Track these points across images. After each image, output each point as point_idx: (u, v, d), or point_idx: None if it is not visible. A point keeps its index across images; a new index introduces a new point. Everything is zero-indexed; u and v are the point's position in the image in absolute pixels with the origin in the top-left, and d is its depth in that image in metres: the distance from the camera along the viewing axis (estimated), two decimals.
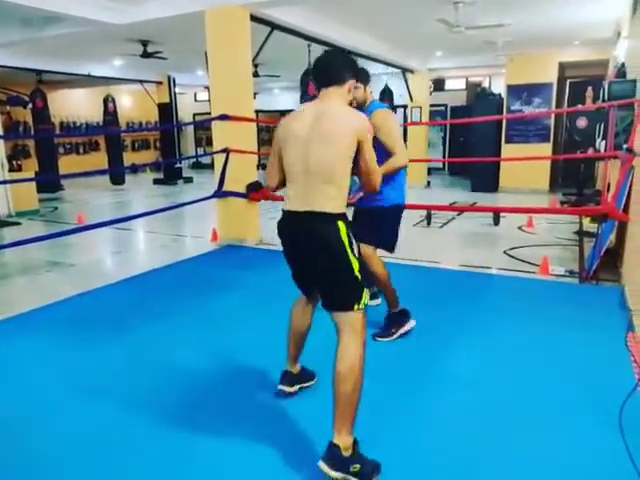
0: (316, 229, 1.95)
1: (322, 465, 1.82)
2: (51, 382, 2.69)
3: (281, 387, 2.42)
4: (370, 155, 2.00)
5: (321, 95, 2.07)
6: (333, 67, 2.07)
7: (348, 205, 2.10)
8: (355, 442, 1.87)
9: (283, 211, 2.08)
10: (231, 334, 3.26)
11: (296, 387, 2.45)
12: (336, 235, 1.93)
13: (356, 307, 1.95)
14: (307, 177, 1.95)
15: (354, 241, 1.98)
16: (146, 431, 2.22)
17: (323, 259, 1.97)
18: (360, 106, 2.90)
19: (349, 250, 1.94)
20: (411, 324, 3.17)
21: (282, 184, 2.14)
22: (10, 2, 5.13)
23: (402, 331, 3.13)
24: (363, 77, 2.88)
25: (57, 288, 4.31)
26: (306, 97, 6.75)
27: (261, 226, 6.12)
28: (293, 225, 2.04)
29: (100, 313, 3.68)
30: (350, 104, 2.12)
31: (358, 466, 1.83)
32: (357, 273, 1.96)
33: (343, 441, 1.83)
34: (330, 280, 1.99)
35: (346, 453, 1.82)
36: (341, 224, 1.94)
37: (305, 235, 1.99)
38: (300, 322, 2.34)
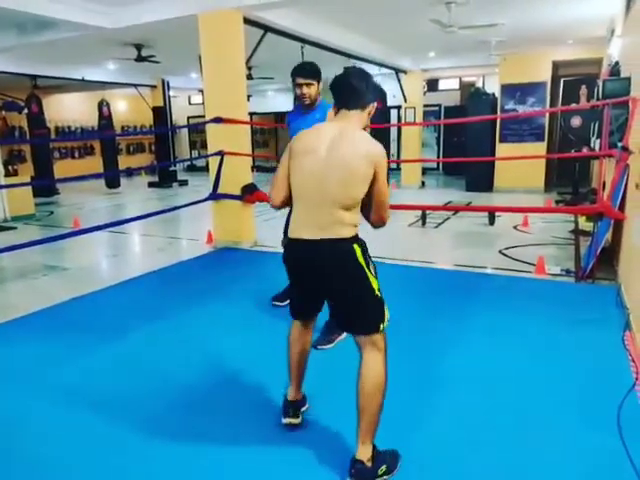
0: (334, 257, 1.90)
1: None
2: (47, 385, 2.67)
3: (289, 420, 2.21)
4: (384, 185, 1.91)
5: (341, 116, 2.00)
6: (359, 91, 1.99)
7: None
8: (374, 447, 1.89)
9: (291, 239, 1.98)
10: (227, 337, 3.24)
11: (301, 416, 2.26)
12: (354, 259, 1.90)
13: (381, 327, 1.93)
14: (322, 202, 1.86)
15: (370, 260, 1.95)
16: (141, 434, 2.20)
17: (344, 286, 1.93)
18: (312, 103, 3.04)
19: (368, 272, 1.92)
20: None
21: (286, 203, 2.03)
22: (4, 8, 5.13)
23: (342, 337, 2.99)
24: (320, 75, 3.03)
25: (53, 292, 4.29)
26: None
27: (256, 228, 6.11)
28: (306, 253, 1.94)
29: (96, 316, 3.66)
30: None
31: (384, 467, 1.88)
32: (378, 292, 1.94)
33: (365, 453, 1.86)
34: (353, 305, 1.93)
35: (369, 464, 1.85)
36: (356, 247, 1.91)
37: (321, 264, 1.91)
38: (301, 347, 2.20)
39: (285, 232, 2.37)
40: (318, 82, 3.05)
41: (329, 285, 1.95)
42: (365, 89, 2.01)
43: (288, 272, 2.08)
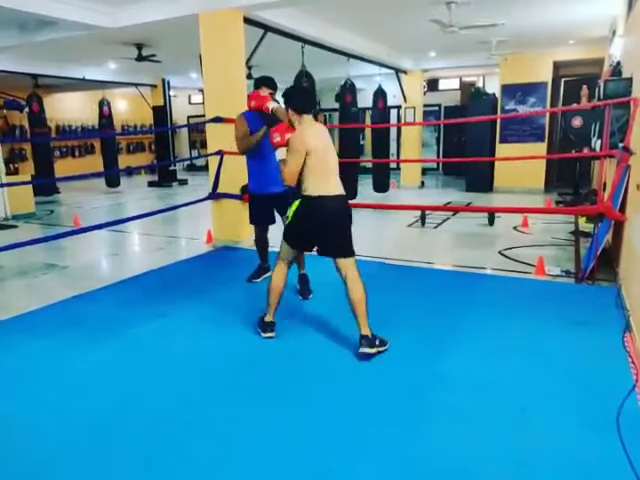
0: (347, 206, 3.04)
1: (363, 349, 2.84)
2: (48, 383, 2.67)
3: (269, 334, 3.17)
4: None
5: (310, 118, 3.01)
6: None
7: None
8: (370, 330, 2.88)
9: (323, 196, 2.93)
10: (227, 335, 3.24)
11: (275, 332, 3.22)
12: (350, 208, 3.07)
13: (354, 252, 3.03)
14: (335, 172, 3.00)
15: None
16: (141, 432, 2.19)
17: (345, 224, 3.00)
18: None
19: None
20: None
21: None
22: (6, 7, 5.13)
23: (266, 275, 4.16)
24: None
25: (53, 290, 4.29)
26: None
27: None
28: (338, 204, 2.98)
29: (96, 315, 3.65)
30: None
31: (379, 340, 2.90)
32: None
33: (366, 331, 2.88)
34: (343, 237, 2.99)
35: (371, 336, 2.87)
36: None
37: (343, 210, 3.00)
38: (284, 283, 3.17)
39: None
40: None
41: (338, 225, 2.98)
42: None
43: (309, 218, 2.96)
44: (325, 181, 2.94)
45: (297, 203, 3.01)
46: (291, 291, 4.06)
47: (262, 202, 4.00)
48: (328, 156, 2.99)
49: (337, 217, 2.98)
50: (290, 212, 3.05)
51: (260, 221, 4.12)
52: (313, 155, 2.90)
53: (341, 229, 2.98)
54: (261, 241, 4.25)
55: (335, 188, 2.97)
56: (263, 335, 3.15)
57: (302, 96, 3.15)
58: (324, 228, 2.97)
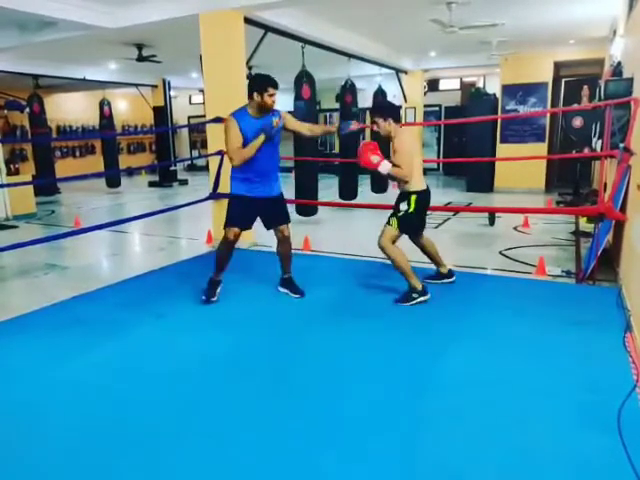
0: None
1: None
2: (48, 383, 2.67)
3: (218, 290, 3.85)
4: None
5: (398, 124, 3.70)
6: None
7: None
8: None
9: (427, 189, 3.77)
10: (226, 335, 3.24)
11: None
12: None
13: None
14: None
15: None
16: (141, 432, 2.19)
17: None
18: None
19: None
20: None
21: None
22: (6, 7, 5.13)
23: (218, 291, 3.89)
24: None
25: (54, 290, 4.29)
26: (299, 99, 6.73)
27: (256, 229, 6.10)
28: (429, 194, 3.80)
29: (96, 315, 3.65)
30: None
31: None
32: None
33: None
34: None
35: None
36: None
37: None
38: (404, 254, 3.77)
39: None
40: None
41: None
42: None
43: (426, 206, 3.89)
44: (422, 176, 3.75)
45: (415, 197, 3.66)
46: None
47: (248, 204, 3.70)
48: (417, 156, 3.72)
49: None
50: (411, 207, 3.66)
51: (241, 223, 3.74)
52: (415, 156, 3.64)
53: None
54: (230, 249, 3.78)
55: (425, 182, 3.77)
56: (424, 298, 3.68)
57: (395, 108, 3.84)
58: (426, 211, 3.89)
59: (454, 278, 4.16)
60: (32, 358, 2.98)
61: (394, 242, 3.71)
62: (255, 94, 3.45)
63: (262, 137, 3.48)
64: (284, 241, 3.88)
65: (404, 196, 3.70)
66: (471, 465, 1.97)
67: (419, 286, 3.67)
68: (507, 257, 5.16)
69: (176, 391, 2.58)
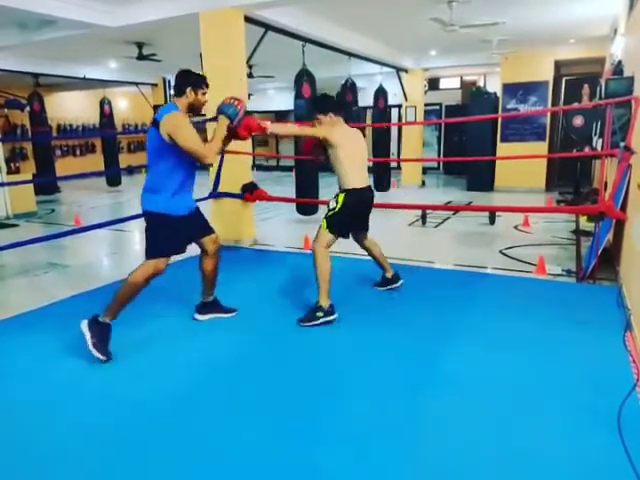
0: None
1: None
2: (48, 382, 2.67)
3: (334, 317, 3.38)
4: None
5: (340, 120, 3.54)
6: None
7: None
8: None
9: (358, 188, 3.54)
10: (226, 334, 3.24)
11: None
12: None
13: None
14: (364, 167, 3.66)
15: None
16: (141, 432, 2.20)
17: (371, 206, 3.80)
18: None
19: None
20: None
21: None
22: (6, 6, 5.13)
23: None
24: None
25: (55, 289, 4.30)
26: (300, 98, 6.73)
27: (256, 227, 6.11)
28: (368, 192, 3.69)
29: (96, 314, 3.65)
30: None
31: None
32: None
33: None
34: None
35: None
36: None
37: (372, 197, 3.77)
38: (330, 264, 3.45)
39: None
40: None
41: (371, 206, 3.86)
42: None
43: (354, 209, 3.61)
44: (363, 174, 3.60)
45: (343, 196, 3.47)
46: (282, 291, 4.06)
47: (180, 226, 3.07)
48: (356, 153, 3.54)
49: (370, 203, 3.71)
50: (338, 205, 3.46)
51: (176, 248, 3.13)
52: (355, 152, 3.52)
53: (370, 211, 3.77)
54: (143, 287, 3.04)
55: (365, 180, 3.61)
56: (330, 318, 3.37)
57: (332, 100, 3.64)
58: (365, 212, 3.74)
59: (401, 282, 4.01)
60: (32, 356, 2.98)
61: (329, 247, 3.46)
62: (189, 90, 3.00)
63: (225, 122, 3.08)
64: (215, 254, 3.40)
65: (335, 195, 3.54)
66: (471, 464, 1.97)
67: (326, 305, 3.36)
68: (507, 256, 5.16)
69: (176, 391, 2.58)
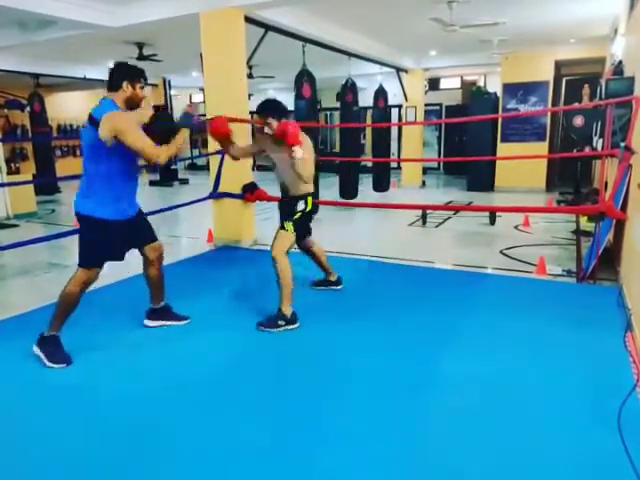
0: None
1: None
2: (48, 381, 2.67)
3: (296, 325, 3.33)
4: None
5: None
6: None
7: None
8: None
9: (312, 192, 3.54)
10: (226, 334, 3.24)
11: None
12: None
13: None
14: None
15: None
16: (141, 432, 2.19)
17: None
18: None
19: None
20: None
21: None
22: (6, 6, 5.13)
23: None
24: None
25: (55, 289, 4.22)
26: (300, 98, 6.73)
27: (256, 227, 6.11)
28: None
29: (96, 314, 3.64)
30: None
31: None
32: None
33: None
34: None
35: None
36: None
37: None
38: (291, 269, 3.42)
39: None
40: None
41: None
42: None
43: (313, 211, 3.65)
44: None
45: (310, 198, 3.52)
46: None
47: (119, 231, 2.92)
48: (311, 157, 3.39)
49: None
50: (308, 206, 3.51)
51: (108, 258, 2.97)
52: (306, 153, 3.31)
53: None
54: (80, 296, 2.98)
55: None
56: (292, 327, 3.31)
57: (284, 107, 3.48)
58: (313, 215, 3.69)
59: (341, 286, 4.08)
60: (32, 357, 2.98)
61: (288, 252, 3.44)
62: (125, 84, 2.79)
63: (185, 132, 2.97)
64: (157, 261, 3.24)
65: (296, 199, 3.48)
66: (471, 464, 1.97)
67: (289, 313, 3.31)
68: (508, 256, 5.16)
69: (176, 390, 2.58)
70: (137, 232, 3.10)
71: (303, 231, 3.68)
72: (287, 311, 3.32)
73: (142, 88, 2.88)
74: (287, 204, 3.54)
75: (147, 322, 3.37)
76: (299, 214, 3.46)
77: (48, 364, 2.82)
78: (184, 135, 2.96)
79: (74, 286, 2.92)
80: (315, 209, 3.74)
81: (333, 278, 4.09)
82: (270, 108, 3.42)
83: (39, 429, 2.28)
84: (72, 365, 2.85)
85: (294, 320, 3.33)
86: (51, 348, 2.86)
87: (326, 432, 2.19)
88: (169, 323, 3.38)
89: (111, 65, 2.94)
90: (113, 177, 2.82)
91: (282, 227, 3.48)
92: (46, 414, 2.40)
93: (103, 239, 2.87)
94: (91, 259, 2.90)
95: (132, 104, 2.85)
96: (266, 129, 3.42)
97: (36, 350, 2.88)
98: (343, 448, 2.07)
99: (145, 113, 2.94)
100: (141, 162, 2.93)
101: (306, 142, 3.30)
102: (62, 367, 2.80)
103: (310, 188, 3.50)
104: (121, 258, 3.04)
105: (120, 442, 2.16)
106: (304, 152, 3.20)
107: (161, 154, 2.78)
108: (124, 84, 2.80)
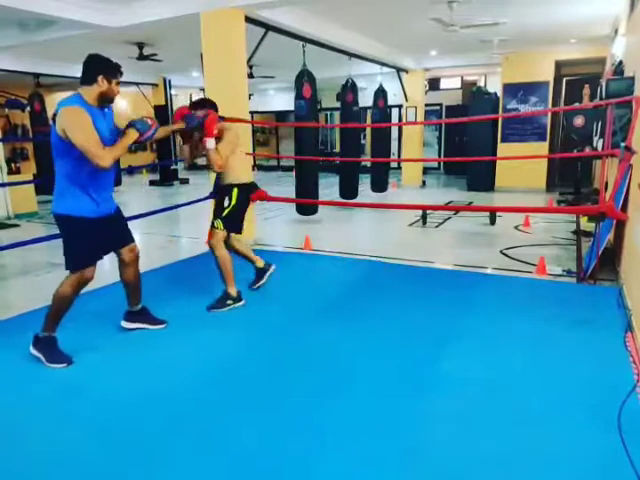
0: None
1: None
2: (49, 381, 2.67)
3: (242, 303, 3.66)
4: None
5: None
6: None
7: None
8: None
9: (246, 183, 3.72)
10: (226, 333, 3.24)
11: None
12: None
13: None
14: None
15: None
16: (141, 432, 2.20)
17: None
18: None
19: None
20: None
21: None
22: (6, 6, 5.13)
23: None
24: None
25: (55, 289, 4.28)
26: (300, 98, 6.73)
27: (256, 227, 6.11)
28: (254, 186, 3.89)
29: (96, 314, 3.65)
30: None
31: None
32: None
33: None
34: None
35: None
36: None
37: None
38: (230, 255, 3.78)
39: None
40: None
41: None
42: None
43: (248, 201, 3.83)
44: (248, 169, 3.87)
45: (236, 190, 3.65)
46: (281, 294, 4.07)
47: (97, 228, 2.85)
48: (242, 147, 3.79)
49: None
50: (232, 200, 3.63)
51: (97, 255, 2.90)
52: (240, 148, 3.66)
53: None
54: (73, 297, 2.93)
55: (251, 176, 3.85)
56: (239, 304, 3.67)
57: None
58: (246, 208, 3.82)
59: (273, 267, 4.20)
60: (32, 357, 2.98)
61: (223, 240, 3.70)
62: (101, 78, 2.71)
63: (134, 135, 2.83)
64: (133, 263, 3.15)
65: (226, 191, 3.69)
66: (471, 464, 1.97)
67: (234, 293, 3.68)
68: (508, 256, 5.16)
69: (177, 389, 2.58)
70: (114, 232, 3.03)
71: (239, 223, 3.80)
72: (232, 291, 3.68)
73: (118, 84, 2.80)
74: (220, 195, 3.77)
75: (124, 323, 3.32)
76: (227, 211, 3.67)
77: (47, 364, 2.81)
78: (131, 137, 2.82)
79: (68, 287, 2.87)
80: (245, 201, 3.74)
81: (261, 264, 4.14)
82: (207, 103, 3.65)
83: (37, 429, 2.28)
84: (69, 367, 2.84)
85: (239, 298, 3.71)
86: (48, 348, 2.85)
87: (326, 432, 2.18)
88: (145, 326, 3.31)
89: (85, 58, 2.84)
90: (79, 173, 2.72)
91: (212, 225, 3.70)
92: (44, 413, 2.39)
93: (83, 238, 2.80)
94: (77, 262, 2.83)
95: (105, 100, 2.77)
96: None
97: (33, 351, 2.88)
98: (343, 448, 2.07)
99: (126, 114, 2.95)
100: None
101: (227, 134, 3.53)
102: (63, 367, 2.80)
103: (241, 178, 3.68)
104: (100, 257, 2.96)
105: (120, 442, 2.16)
106: (225, 142, 3.49)
107: (104, 156, 2.62)
108: (99, 78, 2.71)
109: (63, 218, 2.82)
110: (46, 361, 2.82)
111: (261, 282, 4.11)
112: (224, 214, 3.66)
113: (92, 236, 2.83)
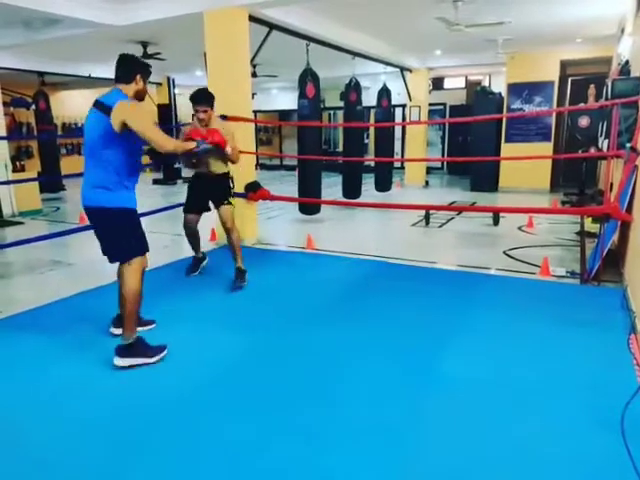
0: None
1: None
2: (52, 379, 2.68)
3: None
4: None
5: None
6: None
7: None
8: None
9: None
10: (227, 332, 3.24)
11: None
12: None
13: None
14: None
15: None
16: (141, 432, 2.20)
17: None
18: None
19: None
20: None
21: None
22: (11, 5, 5.15)
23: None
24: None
25: (59, 286, 4.31)
26: (304, 97, 6.72)
27: (258, 226, 6.11)
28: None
29: (101, 311, 3.64)
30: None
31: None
32: None
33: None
34: None
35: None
36: None
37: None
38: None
39: None
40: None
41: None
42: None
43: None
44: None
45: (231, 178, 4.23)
46: (287, 297, 4.07)
47: (139, 220, 2.98)
48: None
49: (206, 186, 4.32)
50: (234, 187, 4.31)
51: (147, 244, 2.97)
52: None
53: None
54: (142, 285, 2.91)
55: None
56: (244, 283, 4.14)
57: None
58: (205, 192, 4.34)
59: (206, 260, 4.63)
60: (36, 354, 2.99)
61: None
62: (138, 77, 2.84)
63: (192, 144, 3.15)
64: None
65: (225, 177, 4.24)
66: (471, 465, 1.97)
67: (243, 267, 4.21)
68: (511, 257, 5.14)
69: (177, 389, 2.58)
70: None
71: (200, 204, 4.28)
72: (243, 266, 4.20)
73: (146, 84, 2.94)
74: (218, 182, 4.23)
75: (112, 330, 3.22)
76: (232, 190, 4.32)
77: (150, 362, 2.79)
78: (191, 145, 3.16)
79: (134, 280, 2.85)
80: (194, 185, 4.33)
81: (200, 255, 4.58)
82: (206, 99, 4.04)
83: (37, 427, 2.28)
84: (72, 365, 2.85)
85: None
86: (143, 348, 2.83)
87: (326, 432, 2.18)
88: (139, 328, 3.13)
89: (118, 57, 2.93)
90: (124, 165, 2.78)
91: (228, 202, 4.23)
92: (45, 412, 2.40)
93: (137, 227, 2.90)
94: (136, 250, 2.88)
95: (139, 97, 2.87)
96: (202, 116, 3.95)
97: (123, 363, 2.75)
98: (343, 448, 2.06)
99: (154, 109, 3.09)
100: (143, 160, 3.02)
101: (225, 131, 3.77)
102: (162, 355, 2.84)
103: (228, 168, 4.25)
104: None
105: (118, 442, 2.16)
106: (230, 141, 3.74)
107: (169, 145, 2.82)
108: (137, 77, 2.83)
109: (115, 211, 2.80)
110: (148, 359, 2.79)
111: (196, 272, 4.54)
112: (232, 191, 4.26)
113: (140, 225, 2.95)
